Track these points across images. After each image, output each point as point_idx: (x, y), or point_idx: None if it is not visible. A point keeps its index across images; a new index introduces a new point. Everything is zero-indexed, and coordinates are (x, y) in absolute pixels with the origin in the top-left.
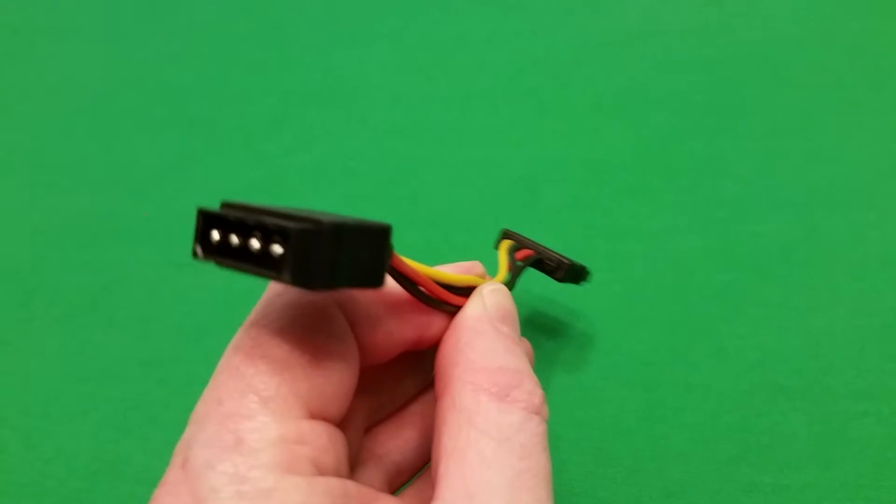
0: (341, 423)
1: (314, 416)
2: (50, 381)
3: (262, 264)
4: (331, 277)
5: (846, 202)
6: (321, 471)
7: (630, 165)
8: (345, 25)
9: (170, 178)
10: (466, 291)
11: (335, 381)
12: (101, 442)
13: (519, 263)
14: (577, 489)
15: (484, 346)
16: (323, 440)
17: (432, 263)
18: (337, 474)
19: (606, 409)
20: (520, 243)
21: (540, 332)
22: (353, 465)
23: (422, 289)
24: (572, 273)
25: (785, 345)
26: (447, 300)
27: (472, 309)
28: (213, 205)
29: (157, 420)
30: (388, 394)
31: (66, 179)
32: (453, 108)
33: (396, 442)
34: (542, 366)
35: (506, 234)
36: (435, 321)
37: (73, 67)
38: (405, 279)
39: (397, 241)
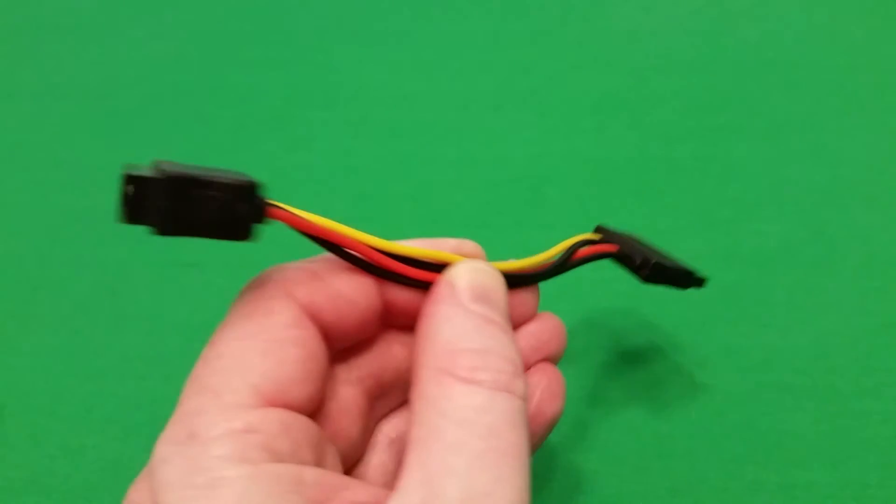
0: (332, 410)
1: (271, 403)
2: (55, 378)
3: (125, 207)
4: (177, 224)
5: (851, 202)
6: (277, 457)
7: (633, 165)
8: (347, 25)
9: None
10: (438, 268)
11: (290, 367)
12: (106, 439)
13: (574, 260)
14: (583, 487)
15: (450, 330)
16: (275, 427)
17: None
18: (295, 459)
19: (612, 407)
20: (606, 238)
21: None
22: (360, 451)
23: (353, 253)
24: (661, 273)
25: (790, 344)
26: (403, 272)
27: (441, 289)
28: None
29: (161, 417)
30: (397, 382)
31: (71, 178)
32: (455, 108)
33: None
34: None
35: (595, 229)
36: (395, 286)
37: (78, 66)
38: (326, 243)
39: (402, 237)
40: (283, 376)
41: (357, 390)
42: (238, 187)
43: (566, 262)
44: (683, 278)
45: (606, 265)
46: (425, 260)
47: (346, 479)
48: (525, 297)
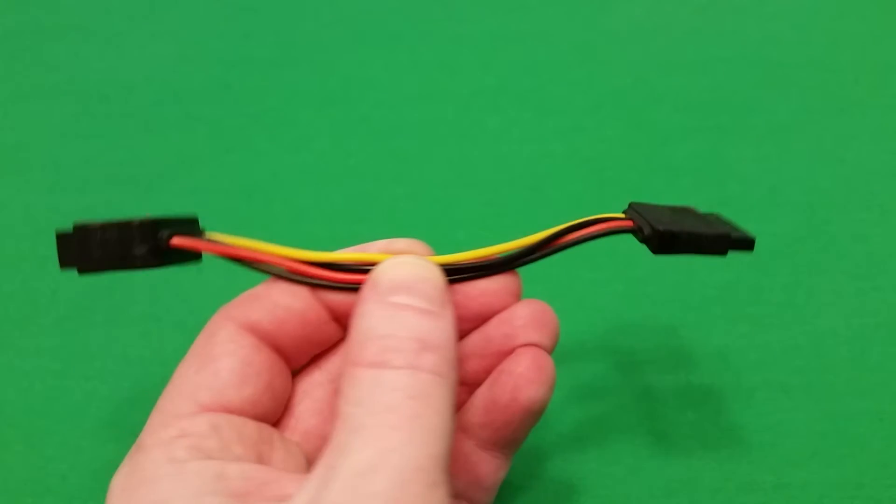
0: (303, 412)
1: (209, 409)
2: (52, 379)
3: (59, 257)
4: (92, 264)
5: (848, 201)
6: (206, 455)
7: (632, 165)
8: (348, 25)
9: (172, 177)
10: (368, 270)
11: (223, 376)
12: (103, 440)
13: (564, 242)
14: (578, 487)
15: (365, 324)
16: (203, 429)
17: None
18: (226, 455)
19: (608, 407)
20: (629, 215)
21: None
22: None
23: (272, 266)
24: (676, 242)
25: (786, 343)
26: (328, 279)
27: (363, 289)
28: (214, 203)
29: None
30: None
31: (70, 179)
32: (456, 107)
33: None
34: None
35: (628, 206)
36: (331, 292)
37: (77, 67)
38: (247, 263)
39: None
40: (217, 385)
41: (330, 392)
42: (131, 226)
43: (543, 247)
44: (714, 243)
45: (603, 263)
46: (349, 264)
47: (278, 473)
48: (489, 284)
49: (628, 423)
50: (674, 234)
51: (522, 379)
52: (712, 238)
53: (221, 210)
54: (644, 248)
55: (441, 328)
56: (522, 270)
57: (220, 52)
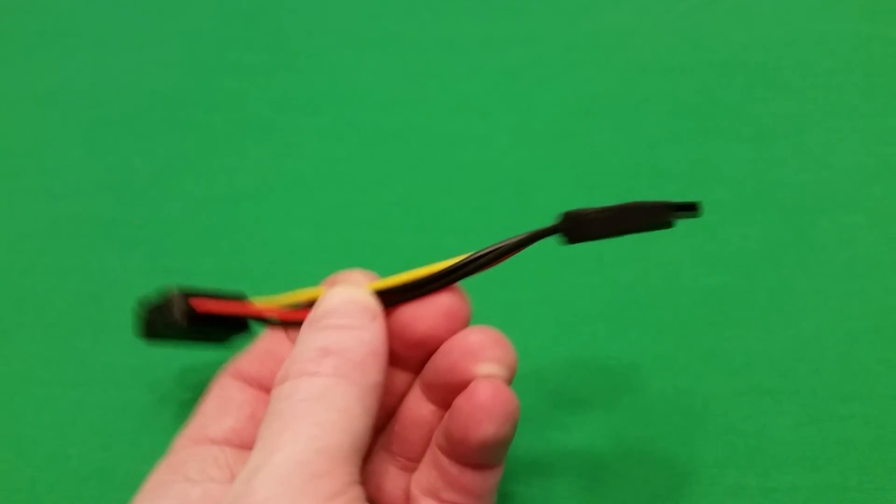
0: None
1: (197, 442)
2: (40, 387)
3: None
4: (156, 334)
5: (834, 205)
6: (185, 478)
7: (620, 169)
8: (336, 30)
9: (160, 184)
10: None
11: (207, 414)
12: (91, 448)
13: (490, 256)
14: (563, 493)
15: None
16: (182, 458)
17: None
18: (202, 476)
19: (593, 412)
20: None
21: (530, 334)
22: None
23: (268, 317)
24: (588, 225)
25: (772, 347)
26: (294, 318)
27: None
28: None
29: (146, 426)
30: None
31: (56, 185)
32: (444, 113)
33: None
34: (531, 370)
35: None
36: (295, 330)
37: (64, 73)
38: (249, 317)
39: (388, 247)
40: (203, 421)
41: None
42: (168, 303)
43: (473, 262)
44: (645, 217)
45: (590, 268)
46: (304, 302)
47: (239, 489)
48: (422, 310)
49: (614, 428)
50: (587, 218)
51: (472, 419)
52: (641, 211)
53: (211, 216)
54: (634, 251)
55: (351, 336)
56: (508, 278)
57: (209, 58)
